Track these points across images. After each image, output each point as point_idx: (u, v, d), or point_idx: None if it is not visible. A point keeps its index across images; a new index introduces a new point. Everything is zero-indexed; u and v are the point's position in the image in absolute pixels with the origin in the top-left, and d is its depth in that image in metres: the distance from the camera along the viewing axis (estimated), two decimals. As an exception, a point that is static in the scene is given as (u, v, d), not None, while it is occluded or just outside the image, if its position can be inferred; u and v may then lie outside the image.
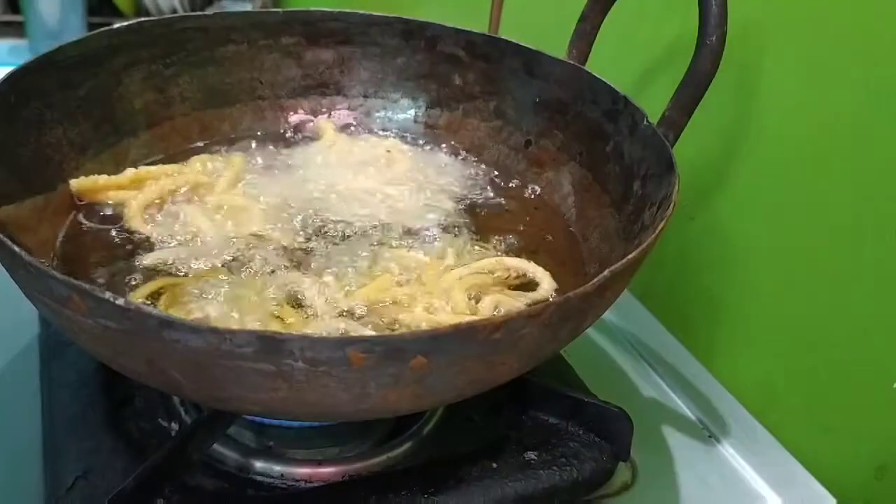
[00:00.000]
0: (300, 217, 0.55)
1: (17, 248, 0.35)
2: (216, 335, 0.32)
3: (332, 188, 0.58)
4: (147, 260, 0.49)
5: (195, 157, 0.59)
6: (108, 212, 0.53)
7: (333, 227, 0.54)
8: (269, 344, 0.32)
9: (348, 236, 0.54)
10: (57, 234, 0.50)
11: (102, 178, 0.53)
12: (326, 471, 0.46)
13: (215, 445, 0.46)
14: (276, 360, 0.32)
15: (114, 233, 0.52)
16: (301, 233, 0.53)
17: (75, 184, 0.52)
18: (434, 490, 0.45)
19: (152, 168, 0.56)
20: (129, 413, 0.48)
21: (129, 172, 0.55)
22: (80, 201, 0.53)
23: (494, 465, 0.47)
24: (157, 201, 0.54)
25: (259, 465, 0.46)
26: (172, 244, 0.51)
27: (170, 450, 0.42)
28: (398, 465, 0.47)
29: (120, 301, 0.32)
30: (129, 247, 0.50)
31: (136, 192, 0.54)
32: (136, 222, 0.52)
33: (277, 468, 0.46)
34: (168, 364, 0.35)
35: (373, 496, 0.44)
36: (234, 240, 0.51)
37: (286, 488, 0.45)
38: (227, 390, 0.35)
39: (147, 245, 0.51)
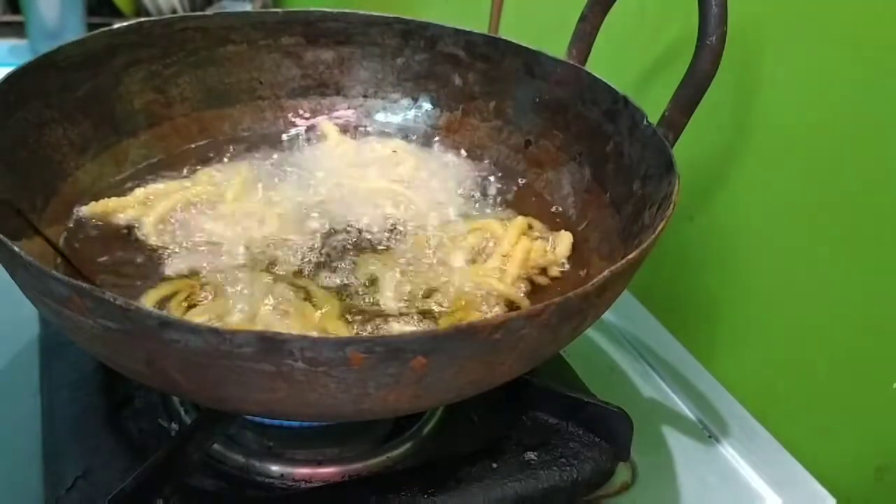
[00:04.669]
0: (315, 219, 0.55)
1: (17, 248, 0.35)
2: (216, 335, 0.32)
3: (343, 189, 0.58)
4: (168, 269, 0.49)
5: (201, 171, 0.59)
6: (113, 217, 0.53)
7: (350, 226, 0.55)
8: (269, 344, 0.32)
9: (367, 235, 0.54)
10: (59, 239, 0.50)
11: (113, 201, 0.53)
12: (326, 471, 0.46)
13: (215, 446, 0.46)
14: (276, 360, 0.32)
15: (123, 241, 0.51)
16: (318, 234, 0.53)
17: (87, 209, 0.52)
18: (434, 490, 0.45)
19: (160, 185, 0.56)
20: (128, 413, 0.48)
21: (139, 192, 0.55)
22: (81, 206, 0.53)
23: (494, 465, 0.47)
24: (169, 214, 0.54)
25: (259, 465, 0.46)
26: (189, 254, 0.50)
27: (170, 450, 0.42)
28: (398, 465, 0.47)
29: (120, 301, 0.32)
30: (141, 257, 0.50)
31: (146, 208, 0.54)
32: (151, 236, 0.52)
33: (277, 468, 0.46)
34: (168, 364, 0.35)
35: (373, 496, 0.44)
36: (253, 246, 0.51)
37: (286, 488, 0.45)
38: (227, 390, 0.35)
39: (160, 255, 0.50)
